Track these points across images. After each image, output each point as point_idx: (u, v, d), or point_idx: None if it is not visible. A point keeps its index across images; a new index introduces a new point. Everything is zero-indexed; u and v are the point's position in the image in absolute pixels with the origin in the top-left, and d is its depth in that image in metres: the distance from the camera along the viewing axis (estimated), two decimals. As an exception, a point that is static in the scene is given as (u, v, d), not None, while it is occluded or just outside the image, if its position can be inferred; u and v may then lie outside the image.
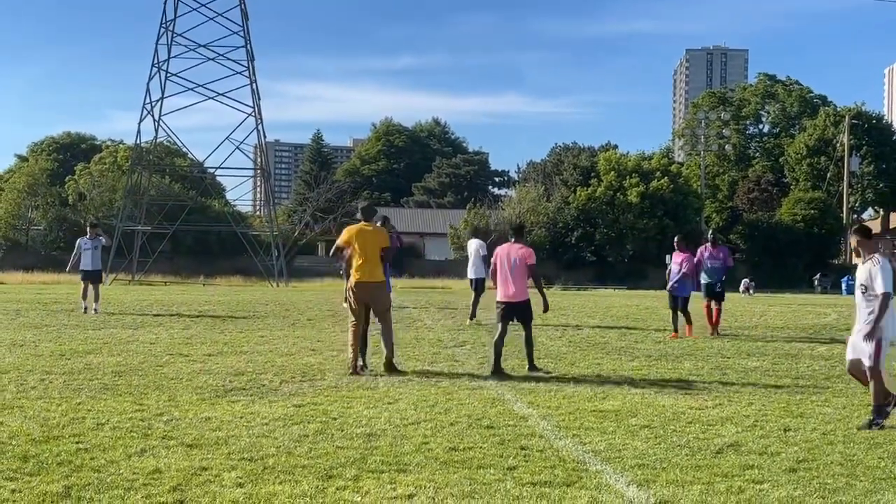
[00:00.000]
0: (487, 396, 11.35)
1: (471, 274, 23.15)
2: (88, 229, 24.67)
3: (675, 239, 20.38)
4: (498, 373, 13.29)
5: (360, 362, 13.37)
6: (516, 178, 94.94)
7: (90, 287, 23.32)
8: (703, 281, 20.44)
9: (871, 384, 9.85)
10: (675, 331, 19.43)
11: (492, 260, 14.15)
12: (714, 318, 20.11)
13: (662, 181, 67.44)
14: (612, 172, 68.32)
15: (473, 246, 23.23)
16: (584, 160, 74.80)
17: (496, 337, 13.81)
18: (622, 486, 7.17)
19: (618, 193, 66.95)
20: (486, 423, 9.63)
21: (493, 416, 10.06)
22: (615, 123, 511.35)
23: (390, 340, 13.56)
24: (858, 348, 9.90)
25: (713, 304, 20.24)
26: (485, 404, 10.76)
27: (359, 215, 14.07)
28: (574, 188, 68.84)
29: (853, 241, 10.32)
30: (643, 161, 71.86)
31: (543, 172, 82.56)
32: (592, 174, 69.88)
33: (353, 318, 13.61)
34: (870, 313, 9.74)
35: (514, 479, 7.35)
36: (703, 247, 20.83)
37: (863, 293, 9.83)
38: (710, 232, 21.82)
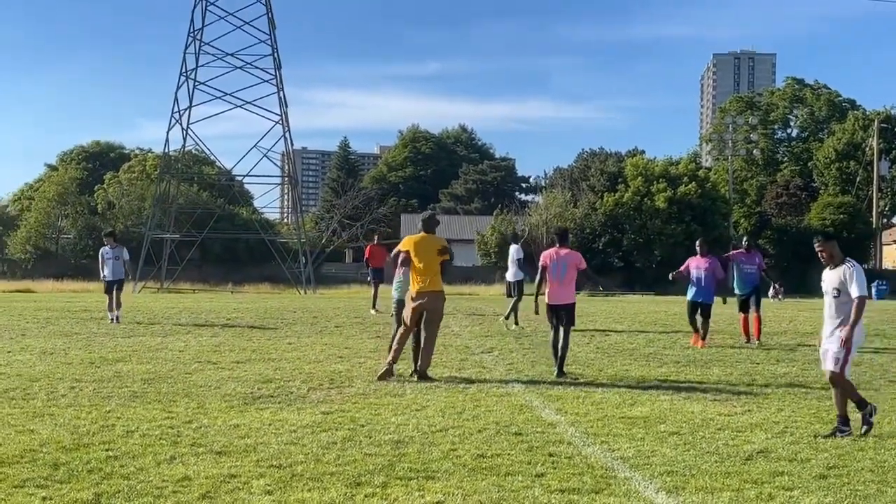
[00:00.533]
0: (515, 403, 11.33)
1: (508, 277, 24.56)
2: (104, 238, 24.74)
3: (698, 242, 19.24)
4: (561, 374, 13.87)
5: (393, 367, 13.44)
6: (543, 184, 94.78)
7: (112, 295, 23.22)
8: (738, 291, 19.51)
9: (836, 391, 9.75)
10: (697, 331, 18.61)
11: (539, 264, 14.50)
12: (755, 328, 19.16)
13: (690, 186, 67.11)
14: (640, 178, 68.05)
15: (511, 251, 24.45)
16: (611, 166, 74.55)
17: (551, 339, 14.34)
18: (651, 493, 7.14)
19: (645, 199, 66.67)
20: (514, 429, 9.62)
21: (521, 422, 10.04)
22: (642, 129, 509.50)
23: (430, 352, 13.59)
24: (828, 355, 9.75)
25: (752, 312, 19.25)
26: (513, 411, 10.75)
27: (420, 226, 14.02)
28: (601, 194, 68.62)
29: (821, 246, 10.01)
30: (670, 166, 71.53)
31: (570, 178, 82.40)
32: (619, 179, 69.62)
33: (406, 325, 13.63)
34: (841, 320, 9.63)
35: (543, 486, 7.33)
36: (736, 252, 20.02)
37: (835, 297, 9.70)
38: (745, 237, 20.59)
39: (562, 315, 14.09)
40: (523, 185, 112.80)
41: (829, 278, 9.90)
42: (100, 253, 24.38)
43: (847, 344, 9.56)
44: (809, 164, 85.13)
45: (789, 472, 7.83)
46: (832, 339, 9.73)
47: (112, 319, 22.92)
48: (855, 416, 9.76)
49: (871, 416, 9.73)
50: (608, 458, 8.33)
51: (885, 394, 12.48)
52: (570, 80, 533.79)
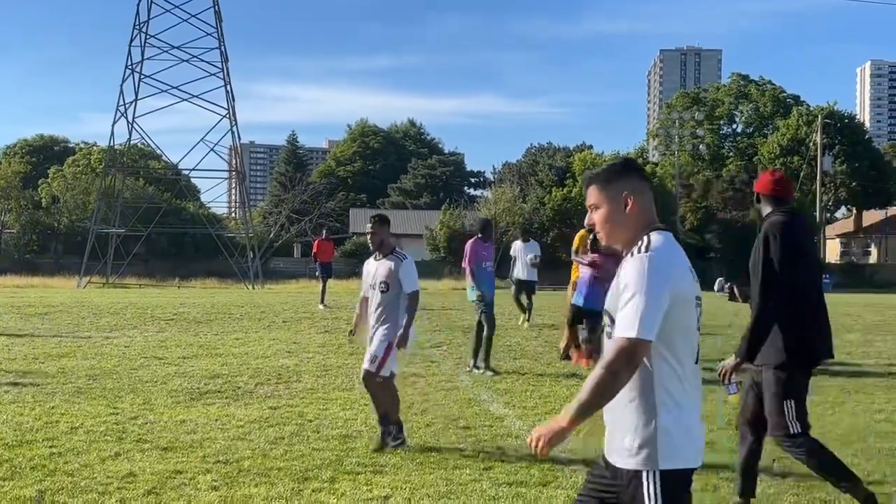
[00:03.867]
0: (463, 397, 11.36)
1: (527, 276, 21.80)
2: None
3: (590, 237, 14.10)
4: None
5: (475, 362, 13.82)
6: (492, 179, 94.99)
7: None
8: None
9: (376, 396, 8.77)
10: (580, 348, 14.43)
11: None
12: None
13: (637, 181, 67.61)
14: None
15: (526, 247, 21.90)
16: (560, 161, 74.92)
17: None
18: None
19: (593, 193, 67.04)
20: (462, 423, 9.65)
21: (470, 416, 10.07)
22: (590, 124, 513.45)
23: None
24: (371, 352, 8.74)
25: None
26: (461, 405, 10.78)
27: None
28: (549, 188, 68.96)
29: (373, 229, 8.90)
30: (618, 161, 72.02)
31: (519, 173, 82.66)
32: (568, 174, 70.00)
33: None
34: (385, 316, 8.72)
35: (490, 479, 7.37)
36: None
37: (383, 292, 8.67)
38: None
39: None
40: (472, 180, 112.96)
41: (379, 271, 8.77)
42: None
43: (401, 343, 8.64)
44: (755, 159, 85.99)
45: (734, 464, 7.90)
46: (376, 337, 8.71)
47: None
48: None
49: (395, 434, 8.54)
50: (555, 451, 8.36)
51: (826, 387, 12.66)
52: (519, 75, 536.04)
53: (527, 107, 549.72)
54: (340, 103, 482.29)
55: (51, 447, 8.33)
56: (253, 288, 52.68)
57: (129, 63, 60.95)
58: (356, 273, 61.05)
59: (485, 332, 13.70)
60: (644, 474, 3.53)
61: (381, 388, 8.66)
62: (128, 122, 61.52)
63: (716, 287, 19.67)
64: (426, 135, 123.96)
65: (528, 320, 21.30)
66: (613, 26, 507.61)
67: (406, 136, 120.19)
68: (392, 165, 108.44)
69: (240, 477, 7.37)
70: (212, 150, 63.52)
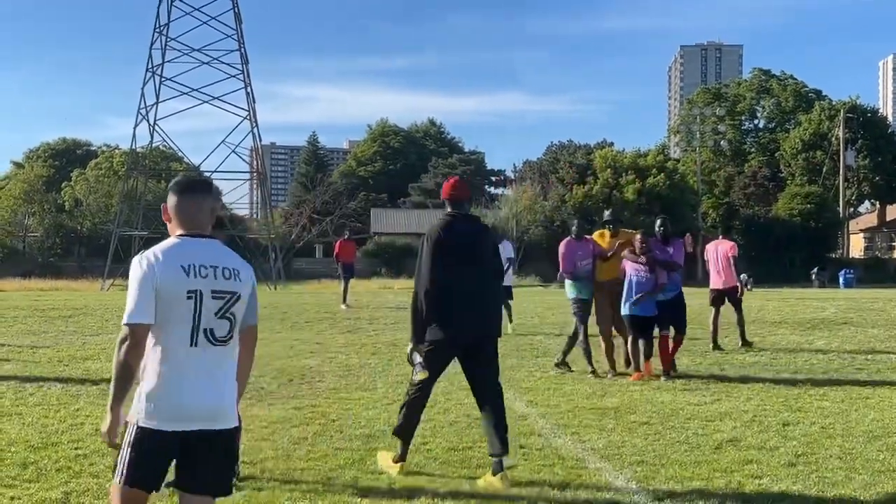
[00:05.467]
0: (486, 396, 11.33)
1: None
2: None
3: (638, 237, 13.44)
4: (717, 347, 16.33)
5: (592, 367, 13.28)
6: (513, 177, 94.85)
7: None
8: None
9: None
10: (639, 368, 13.05)
11: (705, 256, 17.45)
12: (673, 349, 13.60)
13: (659, 178, 67.40)
14: (609, 170, 68.25)
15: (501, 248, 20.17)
16: (580, 158, 74.73)
17: (712, 318, 16.74)
18: (621, 484, 7.17)
19: (614, 191, 66.86)
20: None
21: (492, 415, 10.05)
22: (611, 121, 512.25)
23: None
24: None
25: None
26: (483, 404, 10.75)
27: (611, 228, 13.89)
28: (570, 186, 68.78)
29: None
30: (639, 158, 71.79)
31: (540, 171, 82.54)
32: (589, 172, 69.80)
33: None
34: None
35: (514, 477, 7.35)
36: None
37: None
38: (661, 221, 14.17)
39: (727, 299, 16.89)
40: (493, 179, 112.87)
41: None
42: None
43: None
44: (776, 154, 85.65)
45: (758, 461, 7.89)
46: None
47: None
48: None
49: None
50: (578, 449, 8.36)
51: (852, 381, 12.59)
52: (539, 72, 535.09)
53: (547, 104, 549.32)
54: (361, 103, 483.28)
55: (76, 449, 8.37)
56: (275, 288, 52.84)
57: (150, 66, 61.19)
58: (378, 273, 61.25)
59: (571, 331, 13.66)
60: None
61: None
62: (149, 124, 61.78)
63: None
64: (446, 134, 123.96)
65: (511, 322, 19.55)
66: (633, 22, 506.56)
67: (426, 136, 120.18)
68: (412, 165, 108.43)
69: (263, 477, 7.38)
70: (233, 151, 63.70)
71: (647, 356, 12.94)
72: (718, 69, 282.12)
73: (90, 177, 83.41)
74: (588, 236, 14.08)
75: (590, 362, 13.19)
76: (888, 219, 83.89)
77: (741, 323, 17.07)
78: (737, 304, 17.06)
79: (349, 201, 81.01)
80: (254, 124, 62.75)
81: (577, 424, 9.54)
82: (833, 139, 76.80)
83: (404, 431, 7.69)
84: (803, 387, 12.02)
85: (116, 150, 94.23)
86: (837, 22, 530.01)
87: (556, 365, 13.71)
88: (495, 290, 7.97)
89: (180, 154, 77.35)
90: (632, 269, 12.98)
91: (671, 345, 13.36)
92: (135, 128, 62.41)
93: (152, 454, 4.38)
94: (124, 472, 4.36)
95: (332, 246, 36.90)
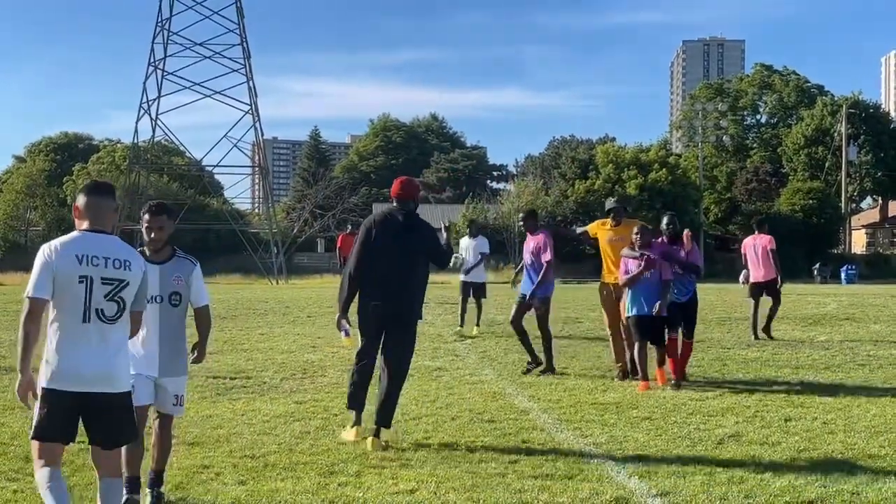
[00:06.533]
0: (488, 391, 11.36)
1: (471, 277, 18.97)
2: None
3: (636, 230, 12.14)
4: (757, 337, 16.91)
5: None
6: (515, 172, 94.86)
7: None
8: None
9: None
10: (647, 378, 11.68)
11: (742, 251, 18.01)
12: (683, 355, 12.47)
13: (661, 173, 67.36)
14: (611, 165, 68.22)
15: (473, 244, 19.47)
16: (582, 153, 74.69)
17: (752, 310, 17.44)
18: (623, 478, 7.18)
19: (616, 186, 66.81)
20: (487, 417, 9.65)
21: (495, 410, 10.07)
22: (613, 116, 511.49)
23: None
24: None
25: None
26: (486, 399, 10.78)
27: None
28: (572, 181, 68.75)
29: None
30: (641, 153, 71.75)
31: (542, 166, 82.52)
32: (591, 167, 69.76)
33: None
34: None
35: (516, 472, 7.36)
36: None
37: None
38: (668, 219, 12.72)
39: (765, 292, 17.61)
40: (495, 174, 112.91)
41: None
42: None
43: None
44: (779, 149, 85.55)
45: (760, 456, 7.89)
46: None
47: None
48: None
49: None
50: (581, 444, 8.37)
51: (854, 377, 12.59)
52: (541, 67, 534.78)
53: (549, 99, 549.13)
54: (363, 98, 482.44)
55: (79, 442, 8.32)
56: (277, 283, 52.91)
57: (152, 60, 61.31)
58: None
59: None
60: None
61: None
62: (151, 118, 61.93)
63: (741, 279, 19.11)
64: (448, 129, 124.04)
65: (477, 325, 18.50)
66: (635, 17, 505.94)
67: (428, 131, 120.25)
68: (414, 160, 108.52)
69: (266, 471, 7.40)
70: (235, 146, 64.02)
71: (661, 362, 11.92)
72: (721, 64, 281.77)
73: (92, 171, 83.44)
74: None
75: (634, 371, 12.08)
76: (890, 214, 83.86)
77: (772, 315, 17.69)
78: (775, 296, 17.78)
79: (351, 196, 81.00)
80: (256, 119, 62.90)
81: (580, 419, 9.54)
82: (835, 135, 76.72)
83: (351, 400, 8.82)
84: (805, 382, 12.02)
85: (118, 145, 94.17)
86: (840, 18, 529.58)
87: (542, 372, 12.77)
88: (407, 278, 8.68)
89: (182, 148, 77.28)
90: (633, 267, 11.81)
91: (681, 349, 12.29)
92: (137, 122, 62.56)
93: (55, 410, 5.33)
94: (34, 426, 5.40)
95: (334, 241, 36.90)
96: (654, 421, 9.45)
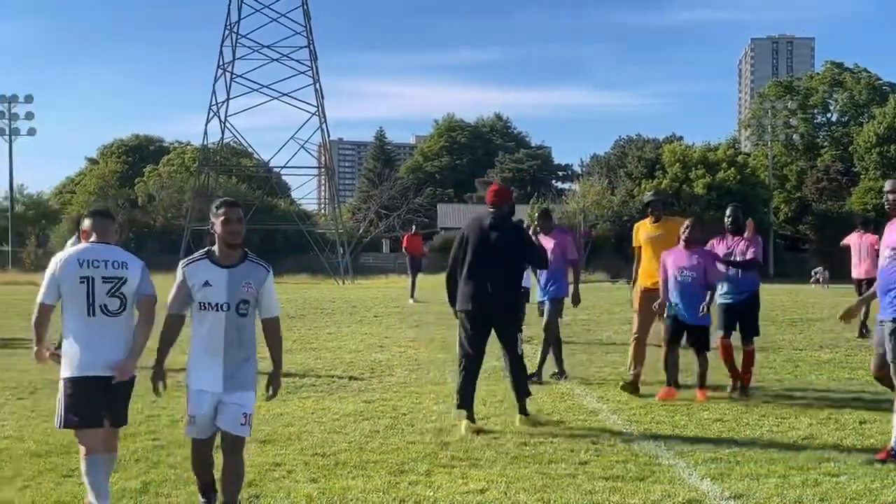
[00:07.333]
0: (557, 392, 11.33)
1: None
2: None
3: (685, 226, 11.17)
4: (862, 335, 16.65)
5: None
6: (580, 172, 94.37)
7: None
8: (721, 296, 11.39)
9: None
10: (676, 384, 11.00)
11: (846, 245, 17.59)
12: (745, 363, 11.32)
13: (729, 172, 66.67)
14: (678, 164, 67.67)
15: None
16: (649, 152, 74.18)
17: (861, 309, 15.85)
18: (696, 481, 7.11)
19: (683, 185, 66.29)
20: (556, 417, 9.63)
21: (563, 410, 10.05)
22: (679, 114, 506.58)
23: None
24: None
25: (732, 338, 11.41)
26: (555, 399, 10.75)
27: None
28: (639, 181, 68.31)
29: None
30: (709, 152, 71.06)
31: (607, 165, 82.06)
32: (657, 166, 69.27)
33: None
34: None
35: (587, 473, 7.33)
36: (717, 239, 11.61)
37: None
38: (731, 210, 11.64)
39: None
40: (560, 174, 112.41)
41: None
42: None
43: None
44: (850, 148, 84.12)
45: (835, 459, 7.77)
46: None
47: None
48: None
49: None
50: (651, 446, 8.31)
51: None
52: (607, 66, 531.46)
53: (614, 98, 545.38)
54: (427, 98, 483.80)
55: (153, 440, 8.53)
56: (343, 283, 53.22)
57: (221, 63, 62.05)
58: (444, 268, 61.14)
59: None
60: None
61: None
62: (220, 121, 62.67)
63: (812, 278, 18.84)
64: (513, 128, 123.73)
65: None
66: (702, 15, 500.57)
67: (493, 130, 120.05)
68: (479, 160, 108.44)
69: (337, 469, 7.46)
70: (302, 147, 64.40)
71: (701, 380, 10.81)
72: (790, 62, 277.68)
73: (162, 172, 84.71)
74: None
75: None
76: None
77: (867, 314, 16.86)
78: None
79: (416, 196, 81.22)
80: (322, 120, 63.37)
81: (650, 421, 9.47)
82: (908, 133, 75.20)
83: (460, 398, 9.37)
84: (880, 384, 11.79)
85: (188, 147, 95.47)
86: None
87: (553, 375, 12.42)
88: (502, 278, 9.37)
89: (250, 150, 78.12)
90: (673, 267, 10.83)
91: (742, 358, 11.23)
92: (206, 124, 63.36)
93: (76, 397, 6.05)
94: (62, 418, 6.13)
95: (399, 241, 37.03)
96: (725, 423, 9.35)
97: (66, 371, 6.08)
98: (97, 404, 6.07)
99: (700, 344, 10.80)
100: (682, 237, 10.86)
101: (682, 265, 10.74)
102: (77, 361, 6.05)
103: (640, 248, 11.74)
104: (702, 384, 10.78)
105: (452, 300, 9.63)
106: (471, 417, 9.08)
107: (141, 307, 6.41)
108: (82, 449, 6.13)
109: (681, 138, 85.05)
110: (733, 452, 8.03)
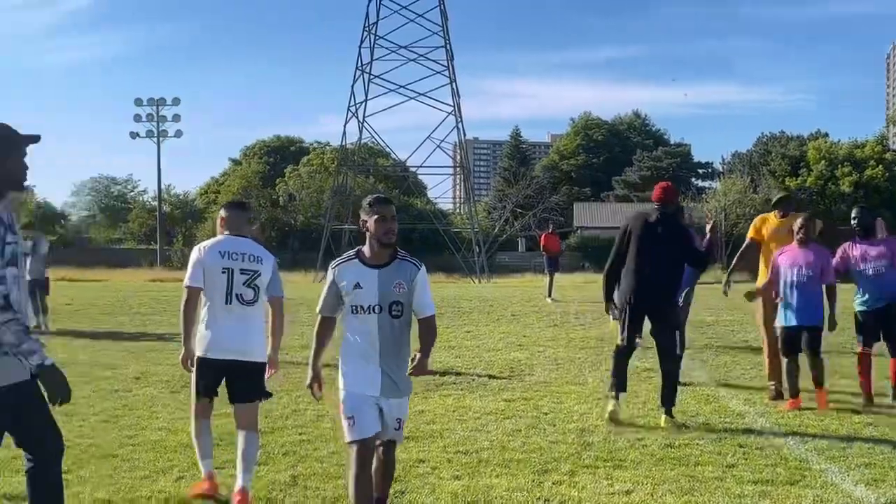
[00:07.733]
0: (702, 394, 11.13)
1: None
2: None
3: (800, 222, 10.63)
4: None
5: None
6: (721, 170, 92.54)
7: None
8: (858, 303, 10.76)
9: None
10: (796, 395, 10.32)
11: None
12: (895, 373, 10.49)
13: (877, 170, 64.47)
14: (823, 161, 65.76)
15: None
16: (793, 149, 72.24)
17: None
18: (849, 486, 6.90)
19: (829, 183, 64.39)
20: (701, 419, 9.47)
21: (709, 413, 9.87)
22: (824, 111, 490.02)
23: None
24: None
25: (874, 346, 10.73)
26: (699, 401, 10.57)
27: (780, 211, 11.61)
28: (782, 179, 66.61)
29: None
30: (856, 149, 68.81)
31: (749, 163, 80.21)
32: (802, 164, 67.44)
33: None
34: None
35: (735, 476, 7.19)
36: (850, 243, 10.82)
37: None
38: (856, 211, 10.99)
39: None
40: (700, 171, 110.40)
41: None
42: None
43: None
44: None
45: None
46: None
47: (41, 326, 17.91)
48: None
49: None
50: (801, 450, 8.09)
51: None
52: (748, 61, 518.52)
53: (756, 94, 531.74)
54: (562, 97, 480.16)
55: (300, 434, 8.71)
56: (480, 282, 53.36)
57: (360, 64, 62.85)
58: (582, 268, 60.90)
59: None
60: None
61: None
62: (358, 121, 63.50)
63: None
64: (651, 126, 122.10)
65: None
66: (847, 8, 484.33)
67: (630, 128, 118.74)
68: (616, 158, 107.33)
69: (480, 467, 7.49)
70: (438, 146, 64.74)
71: (818, 381, 10.22)
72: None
73: (303, 172, 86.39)
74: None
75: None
76: None
77: None
78: None
79: (552, 195, 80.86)
80: (458, 119, 63.56)
81: (798, 424, 9.23)
82: None
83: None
84: None
85: (327, 147, 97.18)
86: None
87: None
88: (660, 274, 9.47)
89: (387, 150, 79.06)
90: (787, 266, 10.41)
91: (891, 369, 10.45)
92: (345, 125, 64.23)
93: (206, 373, 6.68)
94: (195, 388, 6.74)
95: (536, 240, 36.94)
96: (878, 428, 9.04)
97: (199, 349, 6.70)
98: (218, 382, 6.78)
99: (815, 345, 10.28)
100: (797, 236, 10.47)
101: (798, 263, 10.31)
102: (210, 343, 6.65)
103: (758, 241, 11.46)
104: (819, 385, 10.21)
105: (608, 293, 9.67)
106: (618, 398, 9.46)
107: (274, 305, 7.04)
108: (196, 415, 6.87)
109: (826, 135, 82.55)
110: (888, 457, 7.76)
